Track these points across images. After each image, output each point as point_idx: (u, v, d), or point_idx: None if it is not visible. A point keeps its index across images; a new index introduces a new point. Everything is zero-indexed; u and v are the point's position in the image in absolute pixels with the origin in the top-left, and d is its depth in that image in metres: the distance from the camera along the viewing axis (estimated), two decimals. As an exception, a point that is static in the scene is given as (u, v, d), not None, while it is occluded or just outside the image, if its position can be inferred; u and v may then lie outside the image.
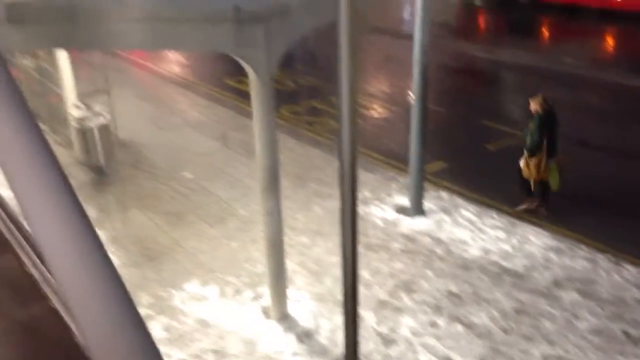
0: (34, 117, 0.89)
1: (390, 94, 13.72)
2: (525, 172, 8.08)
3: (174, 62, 16.53)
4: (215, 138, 11.17)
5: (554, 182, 7.98)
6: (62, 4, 3.87)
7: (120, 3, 4.05)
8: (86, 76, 10.81)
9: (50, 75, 10.47)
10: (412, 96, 7.61)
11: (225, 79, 14.25)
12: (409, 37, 7.78)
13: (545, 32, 19.30)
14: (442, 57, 14.91)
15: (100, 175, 9.65)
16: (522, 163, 8.07)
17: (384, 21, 18.52)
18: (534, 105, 7.91)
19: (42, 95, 10.98)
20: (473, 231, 7.90)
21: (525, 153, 8.01)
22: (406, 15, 20.09)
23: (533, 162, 7.93)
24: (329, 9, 5.12)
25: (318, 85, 13.61)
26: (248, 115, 8.31)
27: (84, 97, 10.06)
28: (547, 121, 7.87)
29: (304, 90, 13.61)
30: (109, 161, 9.75)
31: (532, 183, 8.15)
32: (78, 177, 9.52)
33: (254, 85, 5.33)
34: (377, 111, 12.73)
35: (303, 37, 6.26)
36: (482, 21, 21.12)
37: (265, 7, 4.89)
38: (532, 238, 7.73)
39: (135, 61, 16.26)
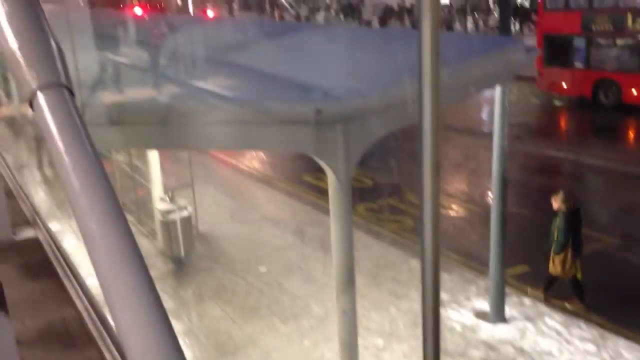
0: (122, 209, 0.93)
1: (469, 193, 13.53)
2: (551, 269, 8.07)
3: (255, 158, 17.16)
4: (292, 233, 11.30)
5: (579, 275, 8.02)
6: (156, 107, 4.17)
7: (209, 107, 4.31)
8: (173, 170, 11.40)
9: (140, 170, 11.10)
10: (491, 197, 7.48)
11: (303, 176, 14.57)
12: (488, 136, 7.76)
13: (630, 135, 18.72)
14: (523, 158, 14.70)
15: (180, 266, 9.90)
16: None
17: (463, 120, 18.61)
18: (556, 204, 7.95)
19: (132, 189, 11.61)
20: (559, 342, 7.40)
21: (552, 250, 8.02)
22: (485, 115, 20.15)
23: (559, 258, 7.91)
24: (410, 111, 5.23)
25: (395, 183, 13.64)
26: (324, 211, 8.40)
27: (169, 190, 10.54)
28: (572, 219, 7.89)
29: (381, 188, 13.67)
30: (188, 253, 10.02)
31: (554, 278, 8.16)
32: (159, 267, 9.80)
33: (332, 184, 5.41)
34: (455, 210, 12.54)
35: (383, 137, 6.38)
36: (563, 122, 20.83)
37: (345, 110, 5.04)
38: (624, 353, 7.13)
39: (219, 157, 17.01)
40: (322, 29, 12.19)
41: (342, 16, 49.00)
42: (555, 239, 7.91)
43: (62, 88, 0.97)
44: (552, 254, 8.02)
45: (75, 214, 0.84)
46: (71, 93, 1.00)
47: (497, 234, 7.59)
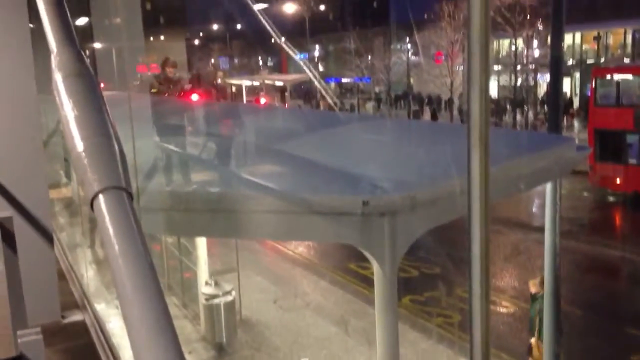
0: (169, 313, 0.95)
1: (519, 289, 13.08)
2: (534, 353, 7.96)
3: (301, 243, 17.17)
4: (335, 323, 11.07)
5: None
6: (206, 195, 4.29)
7: (258, 195, 4.40)
8: (219, 253, 11.49)
9: (187, 252, 11.25)
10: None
11: (348, 264, 14.44)
12: (539, 230, 7.60)
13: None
14: (575, 255, 14.23)
15: (221, 353, 9.76)
16: (532, 341, 7.96)
17: (513, 213, 18.31)
18: (534, 288, 7.90)
19: (179, 271, 11.72)
20: None
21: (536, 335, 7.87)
22: (535, 208, 19.77)
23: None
24: (458, 205, 5.19)
25: (442, 275, 13.35)
26: (368, 301, 8.23)
27: (215, 274, 10.59)
28: None
29: (427, 280, 13.38)
30: (230, 339, 9.90)
31: None
32: (200, 353, 9.70)
33: (378, 275, 5.33)
34: (506, 307, 12.09)
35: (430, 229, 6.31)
36: (617, 219, 20.21)
37: (392, 202, 5.04)
38: None
39: (265, 242, 17.11)
40: (370, 120, 12.47)
41: (390, 106, 50.11)
42: (537, 325, 7.72)
43: (121, 191, 1.03)
44: (535, 340, 7.90)
45: (124, 316, 0.86)
46: (129, 195, 1.06)
47: (551, 334, 7.25)
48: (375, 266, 5.32)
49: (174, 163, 5.45)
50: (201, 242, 10.39)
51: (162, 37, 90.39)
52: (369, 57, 56.53)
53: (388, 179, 5.15)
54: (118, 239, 0.95)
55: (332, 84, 70.29)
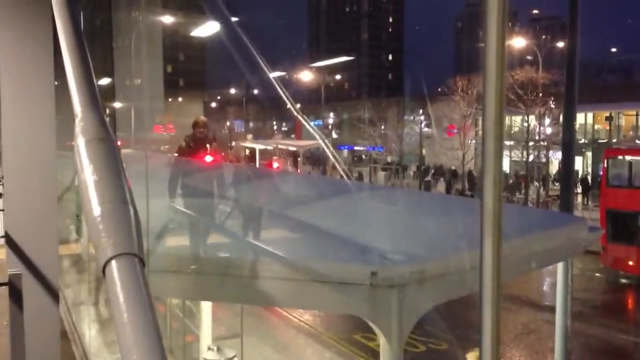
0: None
1: (529, 370, 12.71)
2: None
3: (307, 312, 16.90)
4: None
5: None
6: (215, 259, 4.28)
7: (266, 262, 4.38)
8: (224, 317, 11.30)
9: (191, 315, 11.08)
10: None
11: (354, 335, 14.15)
12: (549, 309, 7.44)
13: None
14: (586, 338, 13.87)
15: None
16: None
17: (524, 291, 18.00)
18: None
19: (181, 334, 11.51)
20: None
21: None
22: (546, 287, 19.43)
23: None
24: (469, 280, 5.12)
25: (449, 351, 13.01)
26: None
27: (218, 339, 10.38)
28: None
29: (434, 355, 13.05)
30: (228, 408, 9.58)
31: None
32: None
33: (384, 348, 5.21)
34: (514, 388, 11.71)
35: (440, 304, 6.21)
36: (629, 301, 19.78)
37: (401, 274, 4.99)
38: None
39: (271, 308, 16.86)
40: (382, 190, 12.52)
41: (403, 177, 50.38)
42: None
43: (134, 257, 1.03)
44: None
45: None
46: (141, 261, 1.06)
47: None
48: (382, 339, 5.21)
49: (185, 225, 5.47)
50: (206, 306, 10.26)
51: (180, 99, 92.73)
52: (382, 127, 57.41)
53: (398, 251, 5.12)
54: (128, 306, 0.95)
55: (345, 152, 71.11)
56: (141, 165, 5.35)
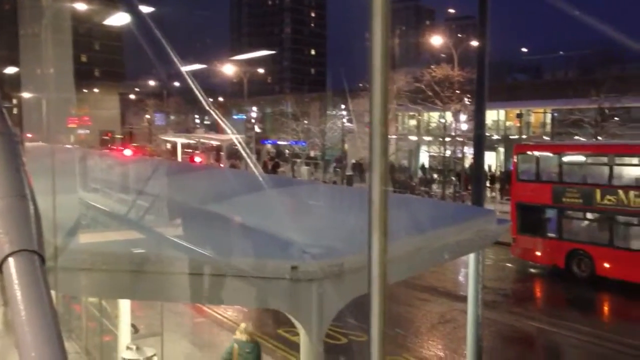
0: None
1: (444, 358, 13.18)
2: None
3: (230, 307, 16.75)
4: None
5: None
6: (130, 255, 4.17)
7: (184, 258, 4.31)
8: (143, 316, 11.02)
9: (109, 314, 10.74)
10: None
11: (278, 329, 14.17)
12: (464, 299, 7.73)
13: (601, 308, 18.71)
14: (498, 326, 14.56)
15: (137, 422, 9.20)
16: None
17: (441, 282, 18.63)
18: (238, 333, 9.16)
19: (98, 334, 11.13)
20: None
21: None
22: (462, 277, 20.24)
23: None
24: (391, 272, 5.23)
25: (369, 343, 13.28)
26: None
27: (137, 338, 10.12)
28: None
29: (355, 347, 13.27)
30: (148, 408, 9.37)
31: None
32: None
33: (304, 342, 5.26)
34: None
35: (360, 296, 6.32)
36: (537, 290, 20.92)
37: (321, 268, 5.05)
38: None
39: (193, 304, 16.59)
40: (303, 185, 12.58)
41: (325, 171, 50.80)
42: None
43: (33, 254, 0.99)
44: None
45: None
46: (41, 258, 1.02)
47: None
48: (302, 332, 5.26)
49: (99, 221, 5.29)
50: (124, 304, 9.97)
51: (95, 90, 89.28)
52: (305, 121, 57.61)
53: (317, 245, 5.17)
54: (26, 305, 0.91)
55: (268, 146, 70.90)
56: (51, 159, 5.13)
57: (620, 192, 19.02)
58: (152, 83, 74.01)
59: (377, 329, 2.63)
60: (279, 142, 68.46)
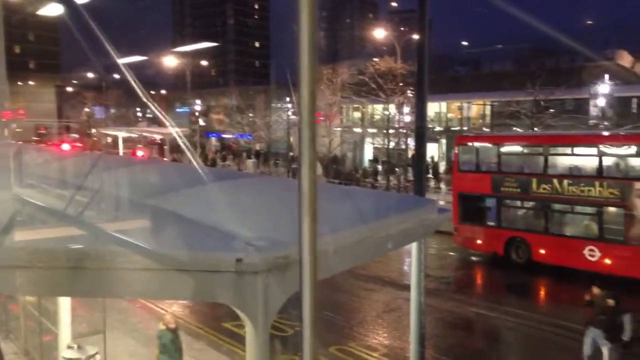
0: None
1: (389, 346, 13.44)
2: None
3: (175, 302, 16.55)
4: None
5: None
6: (68, 251, 4.07)
7: (126, 252, 4.25)
8: (85, 314, 10.76)
9: (48, 314, 10.44)
10: None
11: (224, 322, 14.11)
12: (409, 287, 7.91)
13: (537, 292, 19.48)
14: (441, 313, 14.95)
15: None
16: None
17: (387, 272, 18.94)
18: (162, 324, 9.71)
19: (38, 334, 10.81)
20: None
21: None
22: (406, 267, 20.65)
23: None
24: (332, 263, 5.30)
25: (317, 334, 13.41)
26: (243, 362, 8.06)
27: (79, 337, 9.89)
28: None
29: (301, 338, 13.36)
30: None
31: None
32: None
33: (250, 335, 5.28)
34: (376, 364, 12.34)
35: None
36: (478, 277, 21.57)
37: (266, 260, 5.08)
38: None
39: (137, 301, 16.30)
40: (248, 177, 12.54)
41: (269, 165, 50.66)
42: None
43: None
44: None
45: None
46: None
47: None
48: (248, 325, 5.27)
49: (35, 217, 5.13)
50: (64, 302, 9.71)
51: (31, 82, 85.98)
52: (251, 114, 57.25)
53: (262, 237, 5.19)
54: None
55: (213, 139, 70.08)
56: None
57: (555, 181, 19.82)
58: (90, 75, 71.84)
59: (308, 311, 2.68)
60: (224, 136, 67.80)
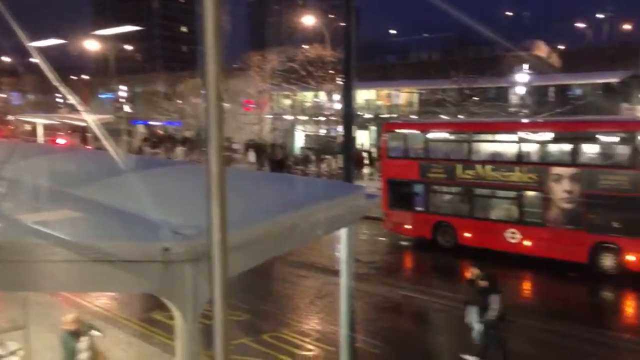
0: None
1: (322, 331, 13.59)
2: None
3: (102, 295, 16.09)
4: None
5: None
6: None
7: (47, 244, 4.09)
8: (4, 309, 10.30)
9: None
10: None
11: (152, 313, 13.85)
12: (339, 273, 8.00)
13: (463, 274, 20.05)
14: (371, 297, 15.25)
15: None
16: None
17: (318, 258, 19.10)
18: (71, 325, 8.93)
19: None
20: None
21: None
22: (338, 253, 20.88)
23: None
24: (267, 248, 5.29)
25: (249, 321, 13.40)
26: (174, 353, 7.94)
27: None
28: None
29: (235, 326, 13.32)
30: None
31: None
32: None
33: (179, 325, 5.21)
34: (309, 350, 12.46)
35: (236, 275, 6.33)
36: (407, 261, 22.14)
37: (195, 248, 5.01)
38: None
39: (61, 294, 15.73)
40: (175, 165, 12.31)
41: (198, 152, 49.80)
42: None
43: None
44: None
45: None
46: None
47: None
48: (177, 315, 5.19)
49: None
50: (-20, 298, 9.25)
51: None
52: (179, 101, 56.02)
53: (191, 225, 5.11)
54: None
55: (140, 127, 68.14)
56: None
57: (478, 166, 20.55)
58: (6, 59, 68.08)
59: (219, 293, 2.68)
60: (152, 123, 66.05)
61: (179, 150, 50.84)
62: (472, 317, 11.61)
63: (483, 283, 11.56)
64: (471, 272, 11.95)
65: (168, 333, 11.88)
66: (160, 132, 64.63)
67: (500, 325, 11.37)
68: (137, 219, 5.07)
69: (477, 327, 11.53)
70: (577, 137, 19.12)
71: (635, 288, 16.95)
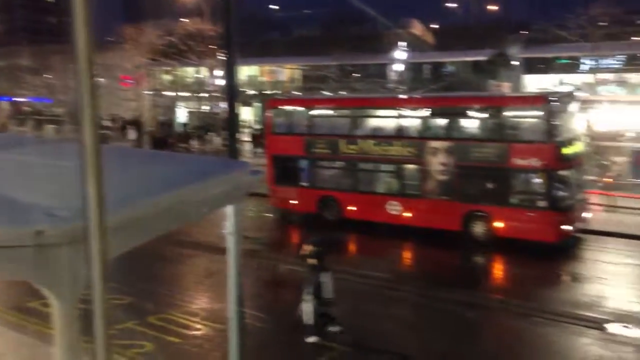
0: None
1: (210, 309, 13.51)
2: None
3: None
4: (10, 372, 9.82)
5: None
6: None
7: None
8: None
9: None
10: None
11: (26, 301, 13.04)
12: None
13: (347, 247, 20.70)
14: (260, 272, 15.36)
15: None
16: None
17: (205, 237, 18.84)
18: None
19: None
20: None
21: None
22: (226, 231, 20.69)
23: None
24: (151, 227, 5.12)
25: (134, 304, 13.00)
26: (52, 340, 7.54)
27: None
28: None
29: (118, 311, 12.87)
30: None
31: None
32: None
33: (57, 312, 4.94)
34: (198, 329, 12.35)
35: (118, 256, 6.09)
36: (293, 236, 22.42)
37: (71, 231, 4.75)
38: None
39: None
40: (47, 144, 11.56)
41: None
42: None
43: None
44: None
45: None
46: None
47: (236, 350, 7.62)
48: (54, 302, 4.93)
49: None
50: None
51: None
52: (48, 76, 52.36)
53: (66, 207, 4.84)
54: None
55: (4, 103, 63.01)
56: None
57: (360, 141, 21.14)
58: None
59: (98, 276, 2.61)
60: (17, 99, 61.28)
61: (50, 128, 47.71)
62: (304, 295, 11.26)
63: (311, 261, 11.30)
64: (303, 249, 11.59)
65: (44, 321, 11.25)
66: (27, 108, 60.19)
67: (332, 305, 11.26)
68: (5, 200, 4.72)
69: (305, 307, 11.18)
70: (450, 112, 20.23)
71: (504, 252, 18.38)
